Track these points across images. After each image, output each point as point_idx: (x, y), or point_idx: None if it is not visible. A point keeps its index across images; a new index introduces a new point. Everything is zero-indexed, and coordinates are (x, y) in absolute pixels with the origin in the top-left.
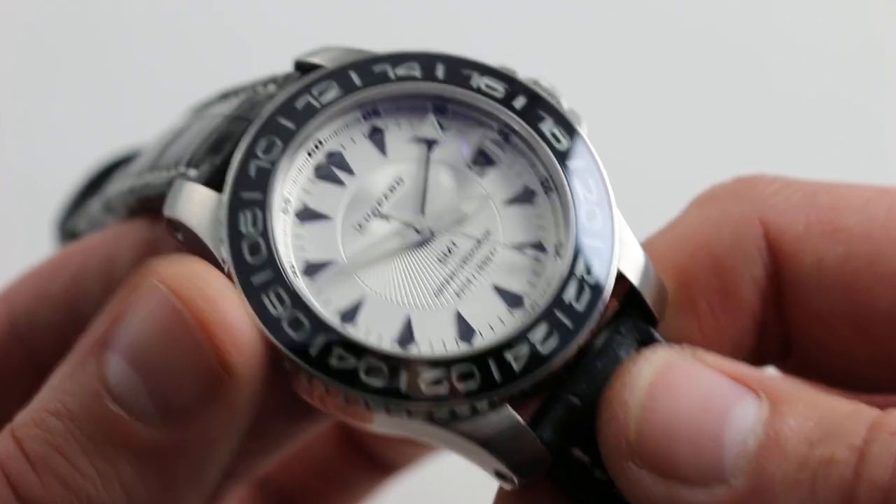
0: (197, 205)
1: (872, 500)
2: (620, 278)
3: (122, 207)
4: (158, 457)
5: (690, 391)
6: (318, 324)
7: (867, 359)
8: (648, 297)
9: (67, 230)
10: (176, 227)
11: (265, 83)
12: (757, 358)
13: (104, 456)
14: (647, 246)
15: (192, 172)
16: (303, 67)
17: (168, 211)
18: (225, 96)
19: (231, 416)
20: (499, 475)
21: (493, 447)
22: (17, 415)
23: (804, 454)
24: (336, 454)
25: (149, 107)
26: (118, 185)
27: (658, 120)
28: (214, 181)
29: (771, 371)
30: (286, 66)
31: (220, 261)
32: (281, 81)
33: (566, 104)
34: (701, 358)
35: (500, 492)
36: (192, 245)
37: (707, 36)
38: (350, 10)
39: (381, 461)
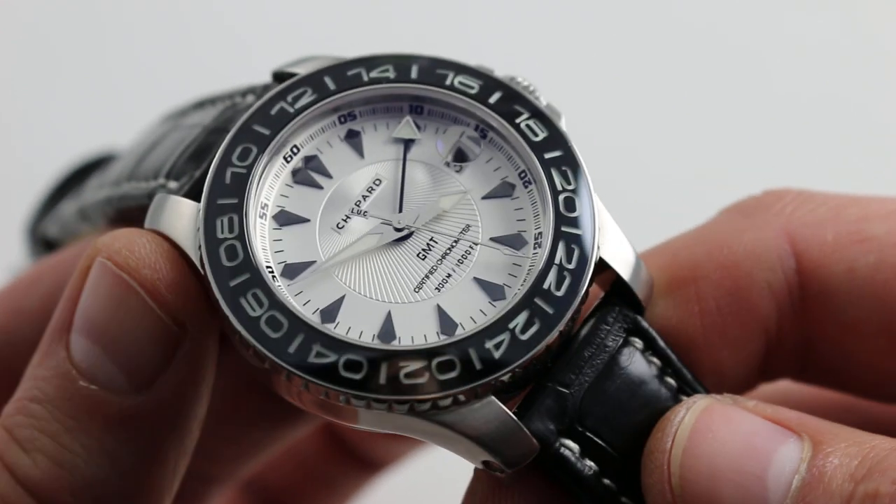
0: (178, 216)
1: None
2: (604, 266)
3: (99, 216)
4: (135, 422)
5: (733, 434)
6: (297, 322)
7: None
8: (633, 283)
9: (38, 234)
10: None
11: (244, 93)
12: (768, 369)
13: (86, 431)
14: (668, 244)
15: (173, 185)
16: (282, 78)
17: (149, 224)
18: (201, 105)
19: (194, 369)
20: (486, 465)
21: (481, 438)
22: (4, 409)
23: (849, 491)
24: (322, 453)
25: (128, 109)
26: (94, 194)
27: (653, 118)
28: (194, 193)
29: (785, 384)
30: (265, 73)
31: (199, 267)
32: (259, 91)
33: (544, 100)
34: (741, 403)
35: (474, 482)
36: None
37: (703, 34)
38: (342, 16)
39: (367, 459)
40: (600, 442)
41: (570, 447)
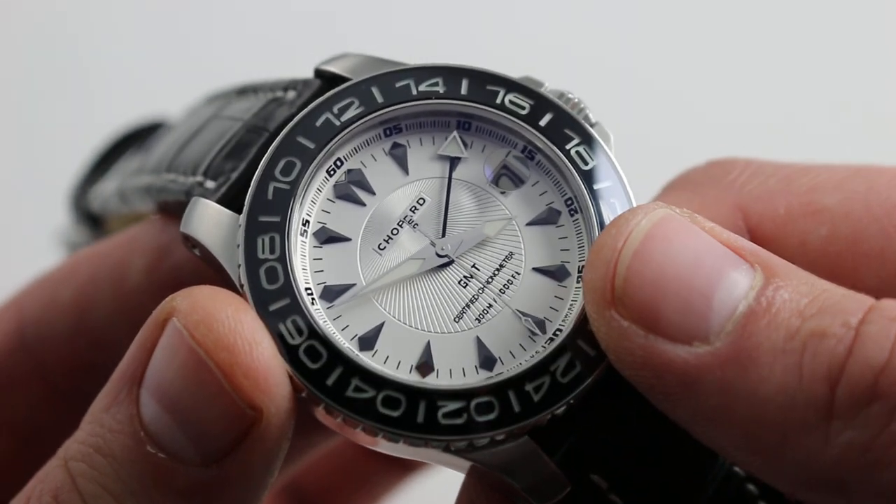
0: (213, 224)
1: (862, 379)
2: None
3: (138, 201)
4: (201, 495)
5: (685, 248)
6: (336, 354)
7: None
8: None
9: (82, 206)
10: (193, 243)
11: (285, 87)
12: None
13: (149, 497)
14: None
15: (210, 184)
16: (322, 75)
17: (185, 228)
18: (243, 92)
19: (267, 450)
20: (518, 500)
21: (513, 475)
22: (67, 442)
23: (795, 326)
24: (358, 453)
25: (168, 82)
26: (135, 181)
27: (684, 128)
28: (230, 198)
29: None
30: (303, 59)
31: (238, 285)
32: (301, 88)
33: (594, 117)
34: (699, 222)
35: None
36: (209, 262)
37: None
38: (366, 11)
39: (404, 461)
40: (629, 478)
41: (599, 483)
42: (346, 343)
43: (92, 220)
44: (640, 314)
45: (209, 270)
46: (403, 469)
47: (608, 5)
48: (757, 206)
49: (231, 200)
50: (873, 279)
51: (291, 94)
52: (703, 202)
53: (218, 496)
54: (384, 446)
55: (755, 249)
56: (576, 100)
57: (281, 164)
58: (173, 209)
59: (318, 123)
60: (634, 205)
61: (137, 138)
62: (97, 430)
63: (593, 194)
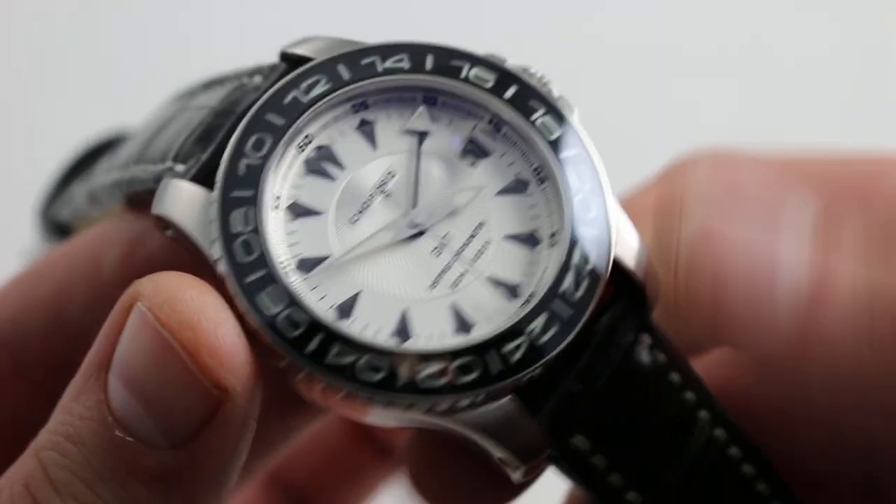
0: (186, 203)
1: None
2: (616, 264)
3: (109, 200)
4: (172, 479)
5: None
6: (315, 321)
7: None
8: (645, 283)
9: (50, 218)
10: (165, 224)
11: (251, 74)
12: None
13: (121, 482)
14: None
15: (180, 168)
16: (289, 58)
17: (156, 209)
18: (209, 85)
19: (235, 431)
20: (501, 462)
21: (495, 436)
22: (40, 433)
23: None
24: (347, 443)
25: (133, 94)
26: (103, 178)
27: (654, 103)
28: (201, 177)
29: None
30: (273, 54)
31: (213, 261)
32: (266, 72)
33: (556, 91)
34: None
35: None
36: (182, 242)
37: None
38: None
39: (393, 450)
40: (612, 438)
41: (582, 442)
42: (324, 311)
43: (60, 232)
44: None
45: (184, 257)
46: (393, 459)
47: None
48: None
49: (203, 179)
50: None
51: (258, 79)
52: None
53: (188, 479)
54: (368, 413)
55: None
56: (539, 74)
57: (251, 140)
58: (143, 200)
59: (287, 101)
60: (600, 171)
61: (104, 150)
62: (67, 418)
63: (560, 162)
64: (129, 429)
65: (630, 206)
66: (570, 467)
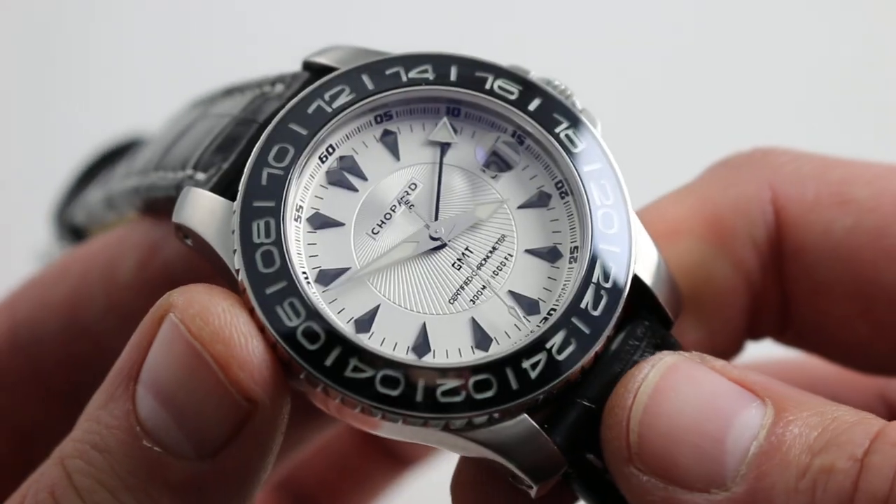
0: (207, 212)
1: None
2: (636, 281)
3: (126, 206)
4: (197, 488)
5: (695, 395)
6: (334, 334)
7: (869, 333)
8: (664, 301)
9: (65, 220)
10: (185, 233)
11: (273, 82)
12: (754, 325)
13: (145, 491)
14: (656, 202)
15: (200, 176)
16: (311, 67)
17: (177, 218)
18: (229, 92)
19: (262, 442)
20: (514, 479)
21: (510, 453)
22: (63, 442)
23: (805, 463)
24: (355, 449)
25: (149, 98)
26: (121, 183)
27: (674, 117)
28: (222, 187)
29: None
30: (290, 60)
31: (233, 271)
32: (289, 81)
33: (580, 104)
34: (708, 362)
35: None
36: (202, 251)
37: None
38: (355, 6)
39: (400, 455)
40: None
41: (595, 462)
42: (343, 324)
43: (75, 234)
44: (657, 467)
45: (201, 265)
46: (400, 464)
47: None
48: (787, 188)
49: (224, 189)
50: (892, 276)
51: (279, 88)
52: (738, 182)
53: (213, 489)
54: (384, 428)
55: (766, 383)
56: (562, 87)
57: (274, 150)
58: (162, 206)
59: (310, 110)
60: (622, 186)
61: (120, 153)
62: (93, 426)
63: (583, 176)
64: (157, 439)
65: (660, 212)
66: (584, 485)
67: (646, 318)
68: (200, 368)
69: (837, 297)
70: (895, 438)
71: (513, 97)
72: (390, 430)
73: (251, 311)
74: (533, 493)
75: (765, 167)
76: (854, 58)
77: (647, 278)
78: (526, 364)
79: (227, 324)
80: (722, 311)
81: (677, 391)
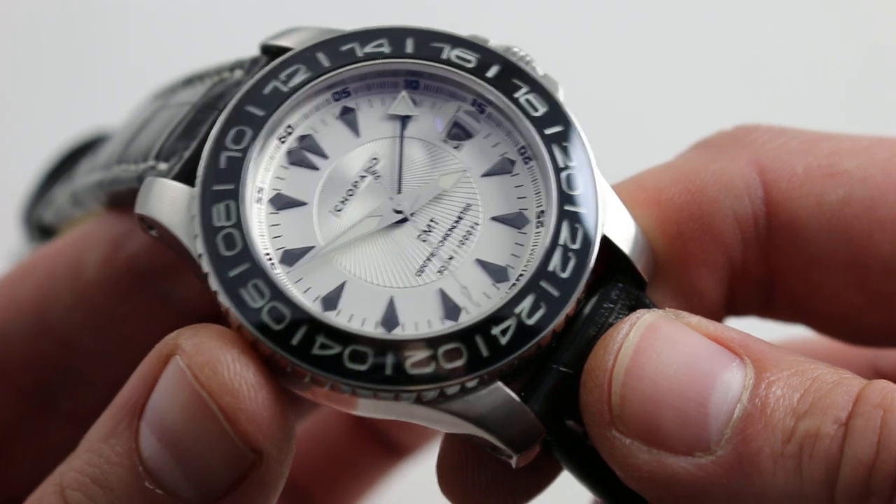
0: (169, 201)
1: (856, 477)
2: (606, 242)
3: (91, 201)
4: None
5: (676, 355)
6: (299, 313)
7: (862, 304)
8: (635, 259)
9: (34, 220)
10: (149, 224)
11: (231, 68)
12: (733, 301)
13: None
14: (638, 175)
15: (163, 166)
16: (269, 50)
17: (140, 209)
18: (189, 82)
19: (265, 490)
20: (494, 450)
21: (486, 424)
22: (62, 468)
23: (790, 427)
24: (348, 438)
25: (112, 94)
26: (85, 179)
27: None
28: (185, 175)
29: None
30: (253, 49)
31: (196, 256)
32: (248, 66)
33: (541, 70)
34: (683, 318)
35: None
36: (167, 241)
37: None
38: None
39: (394, 444)
40: None
41: (576, 427)
42: (309, 303)
43: (45, 234)
44: (640, 431)
45: (167, 256)
46: (394, 454)
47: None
48: (775, 163)
49: (186, 177)
50: (887, 244)
51: (239, 73)
52: (722, 157)
53: None
54: (359, 406)
55: (743, 339)
56: (522, 52)
57: (232, 133)
58: (126, 200)
59: (266, 91)
60: (587, 148)
61: (85, 150)
62: (95, 459)
63: (546, 140)
64: (160, 481)
65: (640, 183)
66: (565, 452)
67: (619, 280)
68: (207, 418)
69: (832, 269)
70: (875, 400)
71: (470, 65)
72: (365, 407)
73: (214, 295)
74: (513, 462)
75: (749, 144)
76: (854, 52)
77: (617, 238)
78: (496, 330)
79: (236, 374)
80: (698, 282)
81: (659, 353)
